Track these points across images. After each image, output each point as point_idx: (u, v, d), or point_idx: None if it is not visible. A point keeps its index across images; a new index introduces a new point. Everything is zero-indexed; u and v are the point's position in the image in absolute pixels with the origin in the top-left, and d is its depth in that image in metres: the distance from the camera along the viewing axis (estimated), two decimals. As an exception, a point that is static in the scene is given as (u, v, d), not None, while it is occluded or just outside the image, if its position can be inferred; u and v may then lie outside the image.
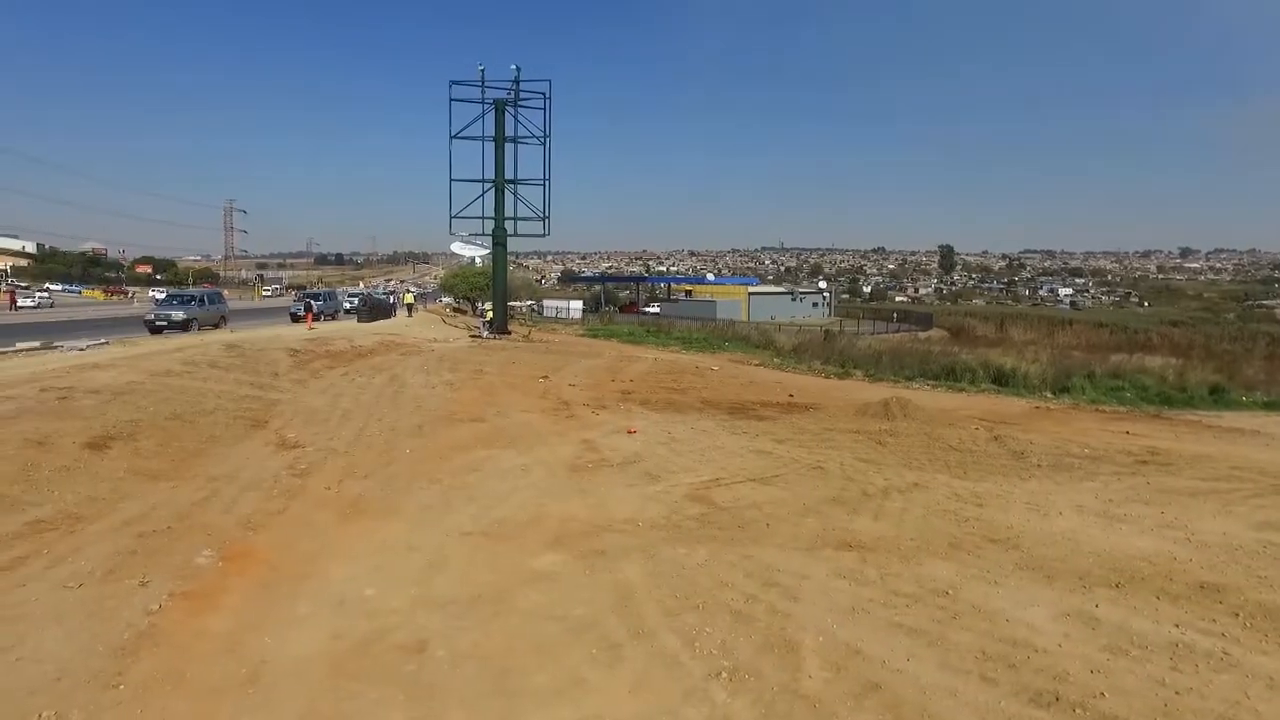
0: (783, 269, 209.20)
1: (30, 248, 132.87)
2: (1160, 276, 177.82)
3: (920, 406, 13.43)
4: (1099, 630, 5.08)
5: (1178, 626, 5.15)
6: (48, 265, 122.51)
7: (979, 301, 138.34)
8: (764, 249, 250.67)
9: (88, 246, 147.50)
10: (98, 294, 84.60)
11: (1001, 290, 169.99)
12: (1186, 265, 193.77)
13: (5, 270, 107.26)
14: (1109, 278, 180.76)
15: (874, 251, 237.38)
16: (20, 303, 56.04)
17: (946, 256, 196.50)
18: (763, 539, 6.89)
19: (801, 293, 77.08)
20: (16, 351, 17.72)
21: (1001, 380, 20.78)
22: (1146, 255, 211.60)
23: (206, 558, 6.18)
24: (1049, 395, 18.79)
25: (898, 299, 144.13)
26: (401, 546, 6.63)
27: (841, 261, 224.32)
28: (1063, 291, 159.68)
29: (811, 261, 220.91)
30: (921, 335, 47.81)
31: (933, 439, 11.30)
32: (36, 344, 19.23)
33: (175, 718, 3.96)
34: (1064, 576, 6.02)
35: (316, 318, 37.76)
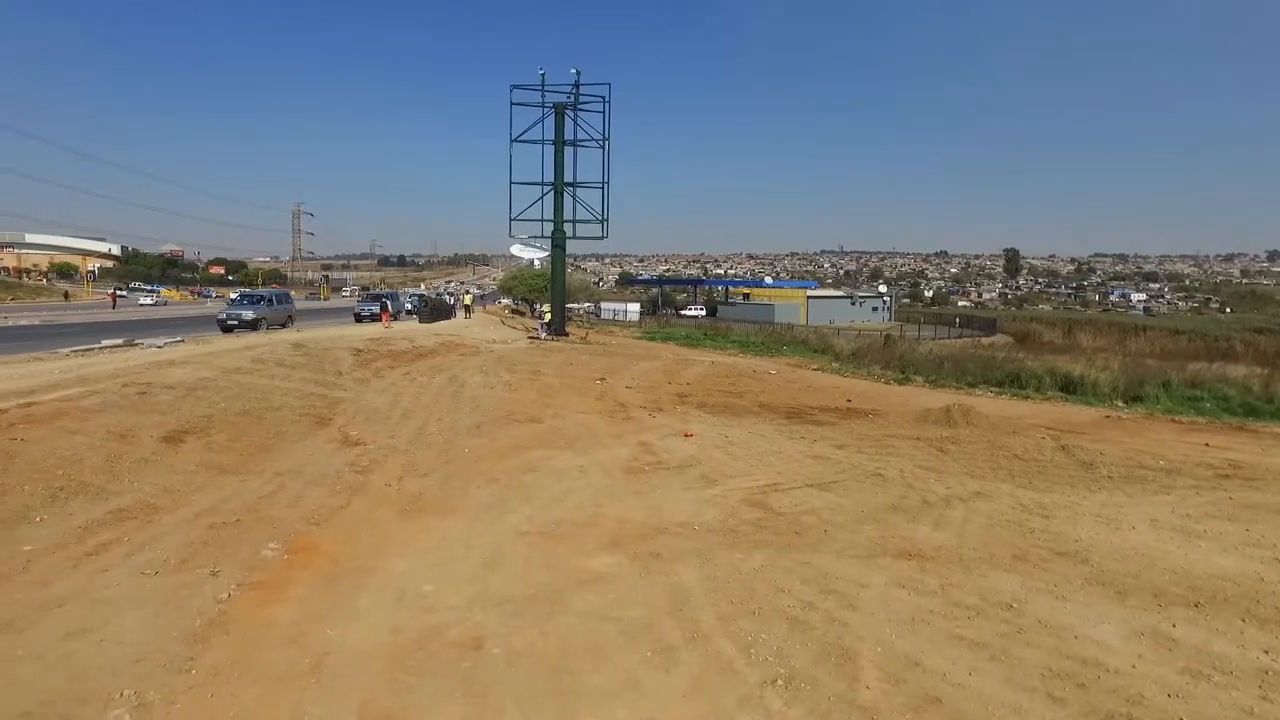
0: (842, 273, 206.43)
1: (115, 250, 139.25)
2: (1245, 281, 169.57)
3: (983, 414, 13.07)
4: (1176, 652, 4.84)
5: (1267, 653, 4.86)
6: (130, 266, 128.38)
7: (1045, 307, 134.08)
8: (823, 252, 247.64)
9: (166, 248, 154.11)
10: (174, 294, 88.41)
11: (1069, 295, 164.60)
12: (1274, 269, 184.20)
13: (93, 271, 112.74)
14: (1187, 282, 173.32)
15: (936, 255, 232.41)
16: (142, 300, 66.60)
17: (1011, 260, 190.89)
18: (820, 545, 6.79)
19: (861, 297, 75.93)
20: (103, 348, 18.62)
21: (1069, 388, 20.06)
22: (1229, 259, 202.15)
23: (273, 550, 6.37)
24: (1120, 404, 18.08)
25: (960, 304, 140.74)
26: (459, 544, 6.73)
27: (902, 265, 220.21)
28: (1135, 297, 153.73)
29: (871, 265, 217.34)
30: (985, 341, 46.46)
31: (996, 447, 10.98)
32: (120, 341, 20.20)
33: (243, 704, 4.09)
34: (1137, 594, 5.77)
35: (377, 318, 38.75)
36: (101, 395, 10.87)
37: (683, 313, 65.76)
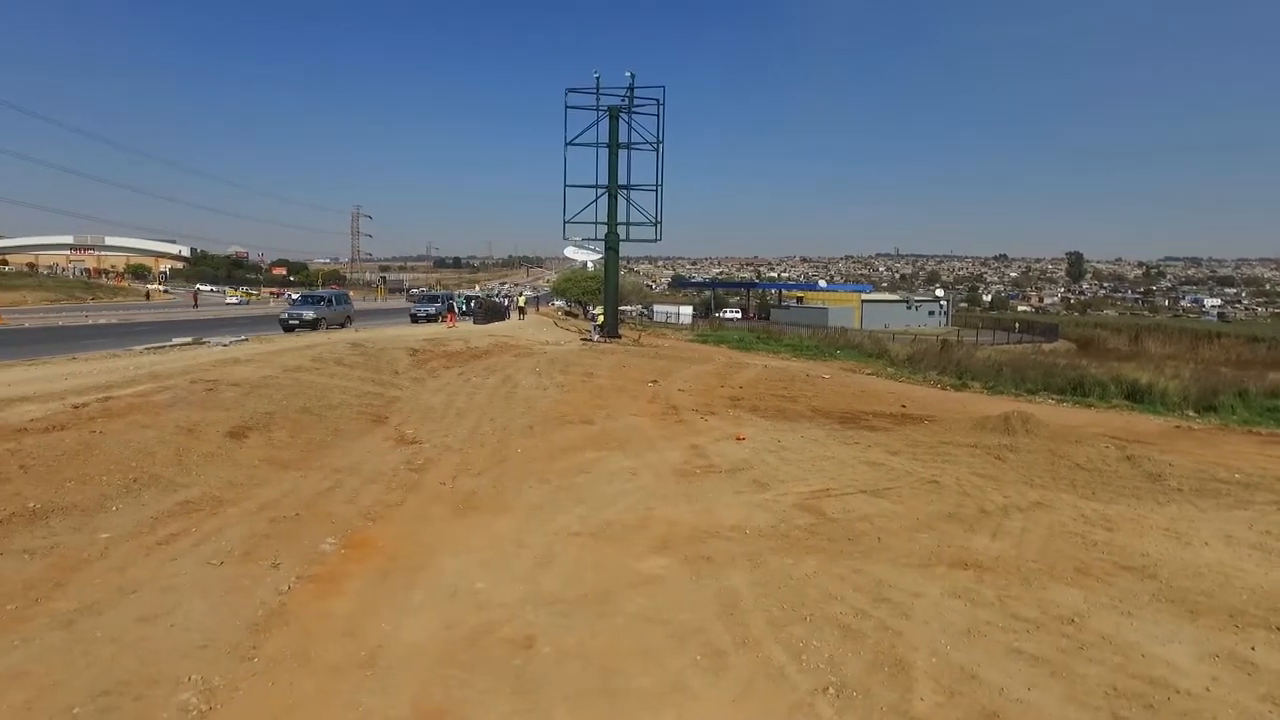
0: (898, 276, 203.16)
1: (185, 251, 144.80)
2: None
3: (1043, 422, 12.68)
4: (1256, 677, 4.60)
5: (1357, 681, 4.59)
6: (199, 267, 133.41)
7: (1111, 312, 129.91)
8: (879, 255, 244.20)
9: (232, 250, 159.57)
10: (234, 292, 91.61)
11: (1137, 300, 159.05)
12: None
13: (165, 272, 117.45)
14: (1266, 286, 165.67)
15: (995, 258, 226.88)
16: (228, 300, 74.91)
17: (1075, 264, 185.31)
18: (874, 553, 6.68)
19: (917, 301, 74.67)
20: (173, 346, 19.38)
21: (1136, 396, 19.35)
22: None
23: (330, 545, 6.53)
24: (1191, 414, 17.38)
25: (1020, 308, 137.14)
26: (511, 543, 6.80)
27: (960, 269, 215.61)
28: (1209, 302, 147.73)
29: (928, 269, 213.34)
30: (1046, 347, 45.27)
31: (1057, 456, 10.65)
32: (189, 339, 20.99)
33: (301, 692, 4.20)
34: (1211, 613, 5.52)
35: (433, 319, 39.56)
36: (172, 391, 11.29)
37: (721, 315, 65.51)
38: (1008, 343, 47.64)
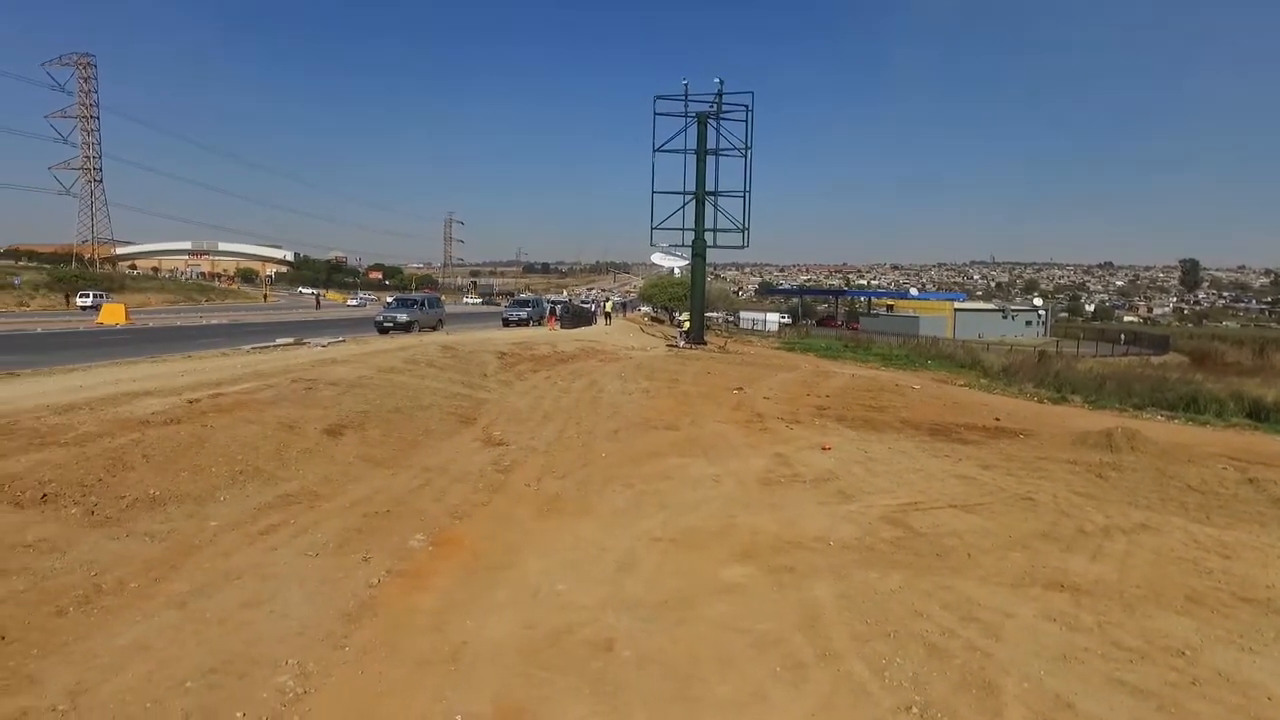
0: (993, 284, 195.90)
1: (289, 256, 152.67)
2: None
3: (1151, 439, 11.96)
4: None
5: None
6: (302, 271, 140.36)
7: (1231, 323, 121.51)
8: (973, 263, 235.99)
9: (332, 255, 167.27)
10: (338, 296, 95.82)
11: (1263, 311, 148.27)
12: None
13: (270, 276, 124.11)
14: None
15: (1100, 266, 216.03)
16: (350, 302, 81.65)
17: (1190, 272, 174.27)
18: (963, 570, 6.43)
19: (1014, 310, 71.71)
20: (276, 346, 20.42)
21: (1259, 415, 17.97)
22: None
23: (419, 541, 6.72)
24: (1324, 435, 16.05)
25: (1126, 319, 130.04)
26: (594, 546, 6.86)
27: (1061, 277, 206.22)
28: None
29: (1026, 277, 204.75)
30: (1154, 360, 42.63)
31: (1166, 476, 10.02)
32: (291, 340, 22.08)
33: (389, 682, 4.33)
34: (1346, 652, 5.06)
35: (524, 323, 40.46)
36: (274, 389, 11.87)
37: (809, 323, 64.58)
38: (1112, 355, 45.31)
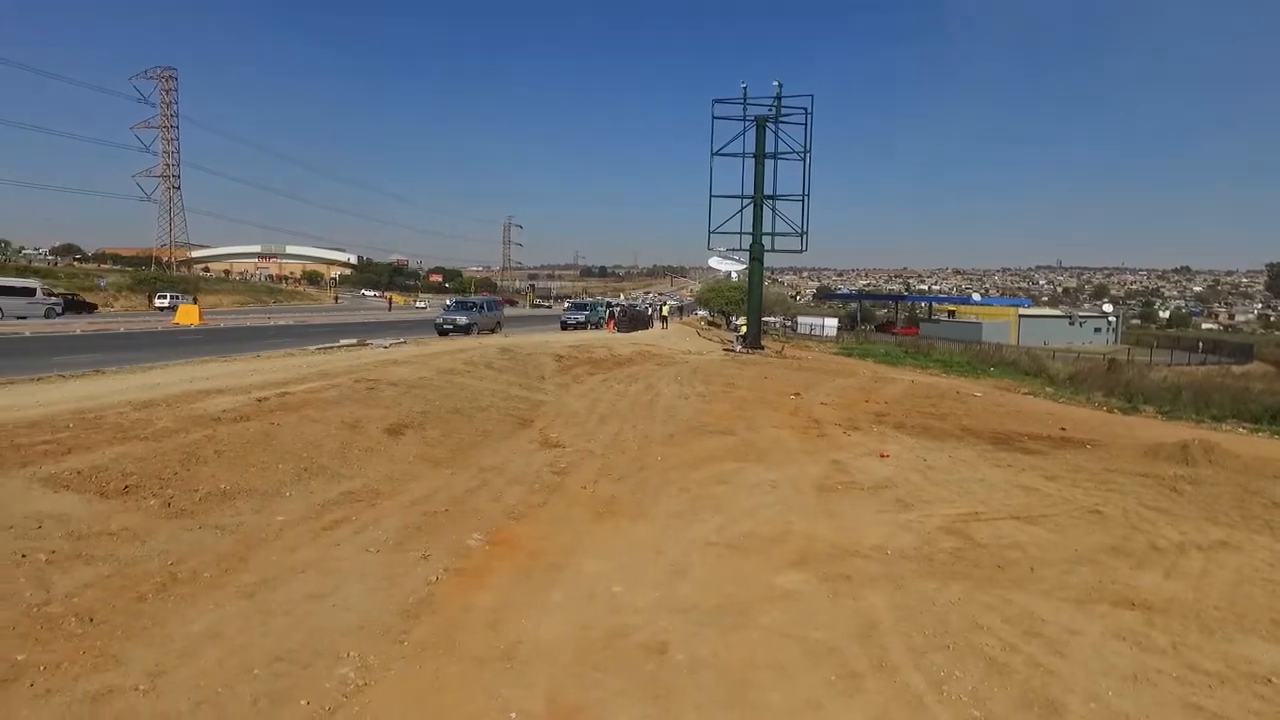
0: (1060, 290, 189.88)
1: (352, 259, 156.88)
2: None
3: (1232, 452, 11.42)
4: None
5: None
6: (364, 274, 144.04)
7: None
8: (1039, 268, 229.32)
9: (393, 258, 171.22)
10: (402, 299, 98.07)
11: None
12: None
13: (334, 278, 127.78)
14: None
15: (1175, 271, 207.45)
16: (417, 304, 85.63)
17: (1277, 276, 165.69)
18: (1025, 583, 6.24)
19: (1081, 316, 69.50)
20: (340, 347, 21.00)
21: (1352, 429, 17.06)
22: None
23: (476, 540, 6.83)
24: None
25: (1205, 326, 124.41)
26: (649, 549, 6.87)
27: (1133, 282, 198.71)
28: None
29: (1095, 282, 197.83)
30: (1236, 369, 40.70)
31: (1249, 492, 9.55)
32: (354, 341, 22.68)
33: (445, 677, 4.41)
34: None
35: (582, 326, 40.82)
36: (338, 389, 12.20)
37: (867, 327, 63.51)
38: (1188, 363, 43.51)
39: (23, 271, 56.47)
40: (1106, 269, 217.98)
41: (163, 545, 5.98)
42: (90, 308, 48.69)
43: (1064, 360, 35.03)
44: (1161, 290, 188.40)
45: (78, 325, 32.28)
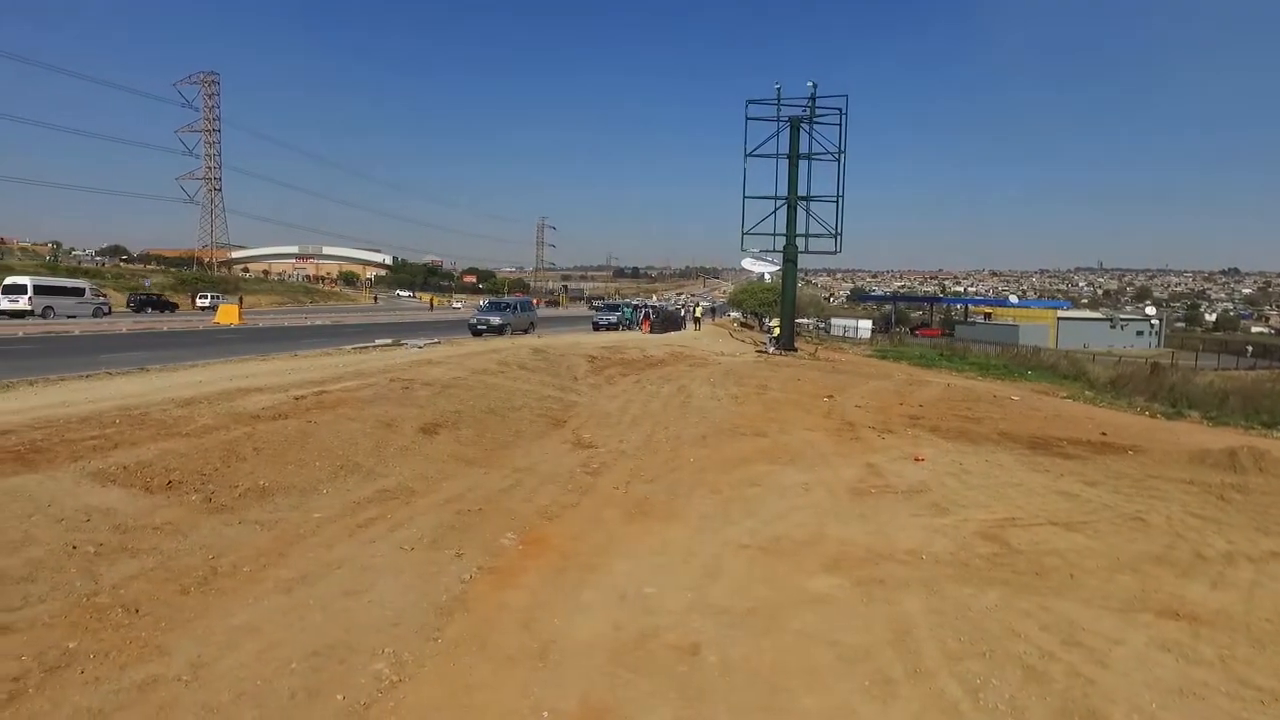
0: (1100, 292, 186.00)
1: (387, 260, 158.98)
2: None
3: (1284, 460, 11.09)
4: None
5: None
6: (399, 275, 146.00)
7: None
8: (1078, 269, 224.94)
9: (428, 259, 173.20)
10: (439, 300, 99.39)
11: None
12: None
13: (369, 279, 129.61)
14: None
15: (1223, 273, 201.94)
16: (454, 305, 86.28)
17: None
18: (1065, 591, 6.11)
19: (1123, 319, 68.02)
20: (375, 346, 21.30)
21: None
22: None
23: (509, 540, 6.87)
24: None
25: (1254, 329, 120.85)
26: (681, 551, 6.85)
27: (1177, 285, 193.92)
28: None
29: (1137, 284, 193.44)
30: (1287, 375, 39.56)
31: (1302, 501, 9.27)
32: (389, 341, 22.99)
33: (477, 676, 4.45)
34: None
35: (614, 327, 40.95)
36: (373, 388, 12.37)
37: (902, 330, 62.78)
38: (1236, 368, 42.39)
39: (73, 272, 58.32)
40: (1150, 270, 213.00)
41: (204, 540, 6.11)
42: (173, 306, 50.75)
43: (1104, 364, 34.36)
44: (1208, 292, 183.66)
45: (124, 324, 33.16)
